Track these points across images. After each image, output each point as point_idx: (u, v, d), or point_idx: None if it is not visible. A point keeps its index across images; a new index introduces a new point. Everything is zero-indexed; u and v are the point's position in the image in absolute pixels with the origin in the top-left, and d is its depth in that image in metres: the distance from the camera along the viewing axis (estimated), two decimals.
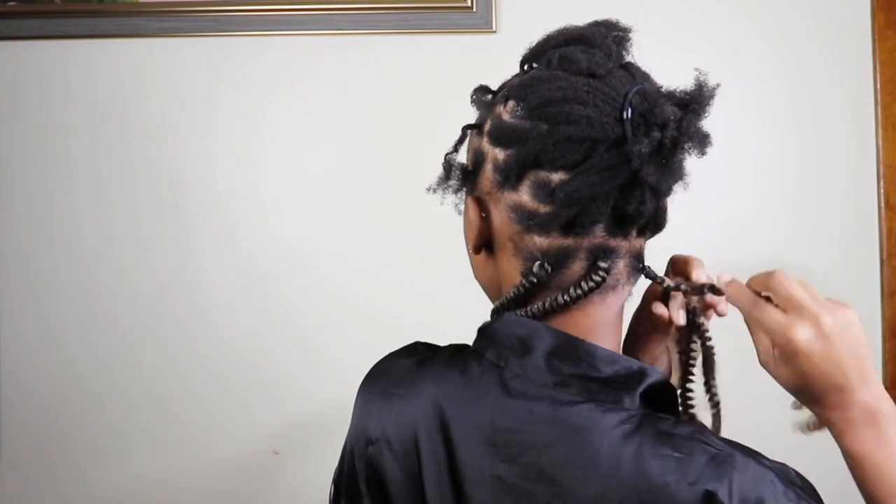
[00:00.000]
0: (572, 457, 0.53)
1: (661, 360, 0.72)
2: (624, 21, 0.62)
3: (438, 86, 1.39)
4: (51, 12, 1.39)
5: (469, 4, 1.38)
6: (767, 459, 0.53)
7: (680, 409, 0.67)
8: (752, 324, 0.58)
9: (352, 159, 1.42)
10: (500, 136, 0.59)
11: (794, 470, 0.54)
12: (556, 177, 0.57)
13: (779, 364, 0.56)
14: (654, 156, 0.55)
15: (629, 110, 0.55)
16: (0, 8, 1.39)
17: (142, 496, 1.42)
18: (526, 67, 0.64)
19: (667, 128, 0.54)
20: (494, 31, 1.38)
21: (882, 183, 1.43)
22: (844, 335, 0.55)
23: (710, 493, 0.49)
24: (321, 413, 1.40)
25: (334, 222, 1.42)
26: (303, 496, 1.41)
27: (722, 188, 1.41)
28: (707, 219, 1.39)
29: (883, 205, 1.43)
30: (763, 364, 0.58)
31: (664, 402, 0.59)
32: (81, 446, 1.42)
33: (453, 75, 1.36)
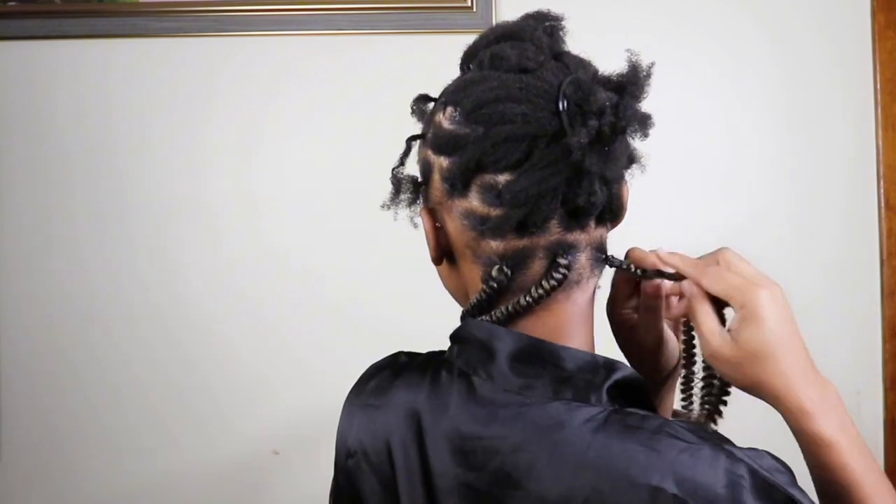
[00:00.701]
0: (538, 460, 0.52)
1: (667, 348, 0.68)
2: (555, 10, 0.61)
3: (438, 86, 1.39)
4: (50, 12, 1.39)
5: (469, 4, 1.38)
6: (739, 449, 0.50)
7: (681, 396, 0.66)
8: (707, 287, 0.56)
9: (351, 160, 1.42)
10: (441, 144, 0.59)
11: (768, 454, 0.51)
12: (502, 178, 0.55)
13: (741, 330, 0.54)
14: (594, 144, 0.53)
15: (564, 102, 0.54)
16: (0, 8, 1.39)
17: (140, 498, 1.42)
18: (462, 69, 0.63)
19: (604, 114, 0.53)
20: None
21: (882, 183, 1.43)
22: (787, 304, 0.55)
23: (676, 496, 0.47)
24: (319, 415, 1.40)
25: (334, 223, 1.42)
26: (300, 498, 1.41)
27: (723, 188, 1.41)
28: (707, 219, 1.39)
29: (883, 205, 1.43)
30: (712, 348, 0.56)
31: (636, 397, 0.58)
32: (80, 448, 1.42)
33: (453, 75, 1.36)
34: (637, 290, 0.65)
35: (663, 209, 1.35)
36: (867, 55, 1.42)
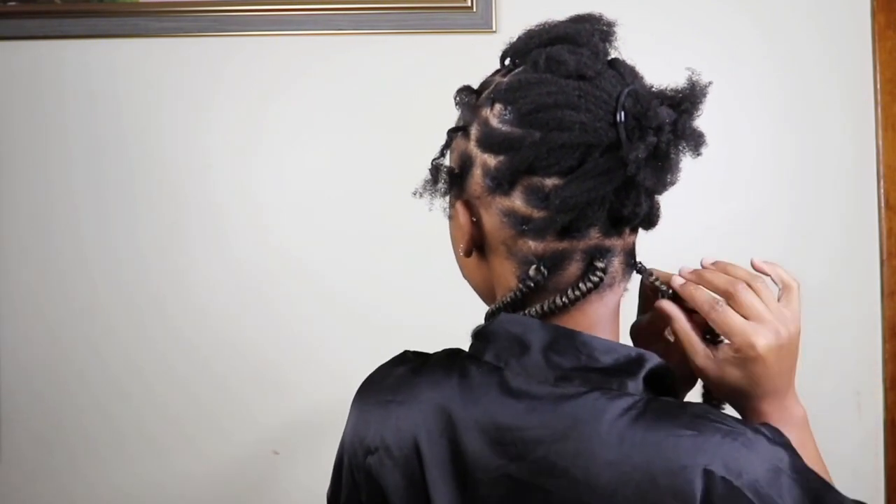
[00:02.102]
0: (583, 447, 0.53)
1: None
2: (608, 14, 0.60)
3: (438, 86, 1.38)
4: (50, 12, 1.39)
5: (469, 4, 1.38)
6: (772, 433, 0.53)
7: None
8: (712, 324, 0.61)
9: (352, 159, 1.42)
10: (491, 143, 0.58)
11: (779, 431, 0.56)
12: (550, 182, 0.56)
13: (728, 365, 0.59)
14: (649, 160, 0.54)
15: (622, 113, 0.54)
16: (0, 8, 1.39)
17: (142, 497, 1.42)
18: (507, 63, 0.63)
19: (662, 131, 0.54)
20: (494, 31, 1.38)
21: (882, 183, 1.43)
22: (791, 347, 0.60)
23: (724, 479, 0.49)
24: (321, 413, 1.40)
25: (334, 222, 1.42)
26: (302, 497, 1.41)
27: (722, 188, 1.41)
28: (707, 219, 1.39)
29: (883, 205, 1.43)
30: (701, 367, 0.61)
31: (665, 386, 0.60)
32: (81, 447, 1.42)
33: (453, 75, 1.35)
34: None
35: (662, 209, 1.35)
36: (867, 55, 1.42)
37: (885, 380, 1.43)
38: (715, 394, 0.64)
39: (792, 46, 1.42)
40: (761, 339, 0.58)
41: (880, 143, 1.42)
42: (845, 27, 1.42)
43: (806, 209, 1.43)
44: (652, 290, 0.67)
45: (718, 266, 0.64)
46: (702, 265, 0.65)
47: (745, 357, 0.58)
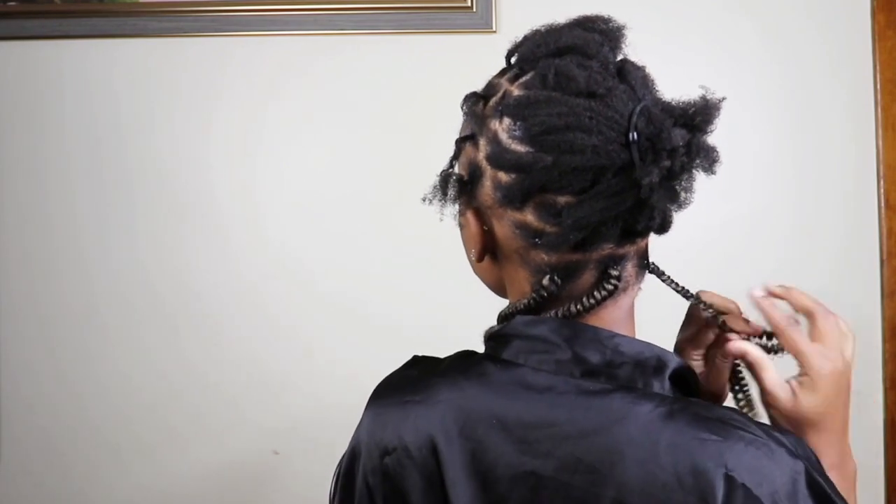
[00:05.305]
0: (610, 445, 0.53)
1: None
2: (616, 18, 0.59)
3: (438, 86, 1.39)
4: (50, 12, 1.39)
5: (469, 4, 1.38)
6: (797, 446, 0.53)
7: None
8: (787, 342, 0.61)
9: (351, 160, 1.42)
10: (502, 162, 0.58)
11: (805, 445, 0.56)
12: (562, 199, 0.56)
13: (803, 388, 0.59)
14: (663, 181, 0.54)
15: (635, 134, 0.53)
16: (0, 8, 1.39)
17: (141, 496, 1.42)
18: (513, 62, 0.62)
19: (676, 153, 0.53)
20: (494, 31, 1.38)
21: (882, 183, 1.43)
22: (848, 376, 0.61)
23: (745, 486, 0.49)
24: (320, 415, 1.40)
25: (333, 223, 1.42)
26: (301, 497, 1.41)
27: (722, 188, 1.41)
28: (707, 219, 1.39)
29: (883, 205, 1.43)
30: (776, 397, 0.60)
31: (688, 386, 0.60)
32: (79, 453, 1.42)
33: (453, 75, 1.36)
34: (715, 341, 0.69)
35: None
36: (867, 55, 1.42)
37: (885, 380, 1.43)
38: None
39: (792, 46, 1.42)
40: (834, 365, 0.59)
41: (880, 143, 1.42)
42: (845, 27, 1.42)
43: (806, 209, 1.43)
44: (710, 317, 0.67)
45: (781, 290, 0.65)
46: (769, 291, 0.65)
47: (817, 380, 0.59)
